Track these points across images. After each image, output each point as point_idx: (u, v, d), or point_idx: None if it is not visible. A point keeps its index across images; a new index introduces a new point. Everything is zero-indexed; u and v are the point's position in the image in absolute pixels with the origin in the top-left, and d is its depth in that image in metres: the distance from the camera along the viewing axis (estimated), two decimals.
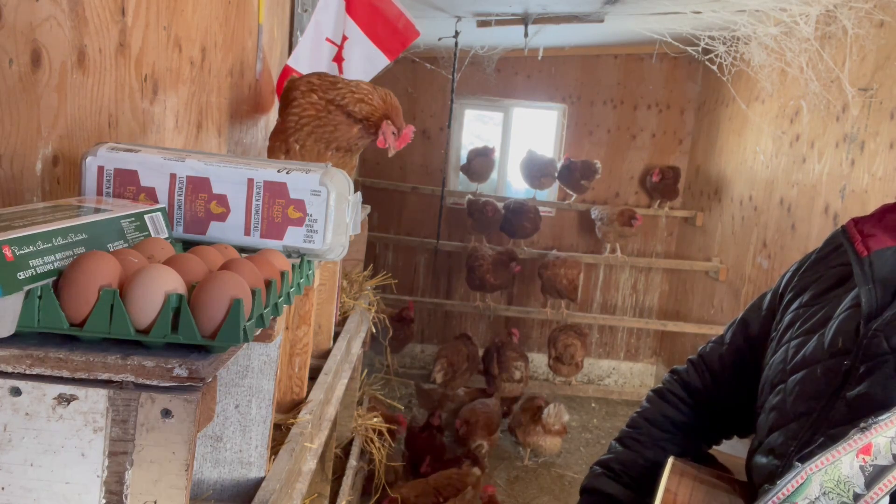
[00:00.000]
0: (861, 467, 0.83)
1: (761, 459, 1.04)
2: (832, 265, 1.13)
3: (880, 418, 0.84)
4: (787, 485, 0.86)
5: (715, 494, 1.05)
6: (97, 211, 0.92)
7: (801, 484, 0.86)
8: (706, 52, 4.36)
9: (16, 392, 0.66)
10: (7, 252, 0.66)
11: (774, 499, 0.87)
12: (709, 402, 1.30)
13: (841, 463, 0.84)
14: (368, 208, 2.96)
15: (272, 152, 1.76)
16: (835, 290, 1.09)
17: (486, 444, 4.15)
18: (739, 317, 1.31)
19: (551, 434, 4.28)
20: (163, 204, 1.10)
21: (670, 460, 1.13)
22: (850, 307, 1.02)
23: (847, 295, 1.05)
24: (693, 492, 1.05)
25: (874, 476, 0.83)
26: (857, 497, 0.83)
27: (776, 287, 1.24)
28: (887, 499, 0.82)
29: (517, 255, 5.02)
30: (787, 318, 1.14)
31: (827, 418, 0.95)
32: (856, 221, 1.08)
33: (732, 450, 1.34)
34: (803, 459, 0.88)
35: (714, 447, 1.34)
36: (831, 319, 1.04)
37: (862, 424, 0.85)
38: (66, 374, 0.66)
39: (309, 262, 1.12)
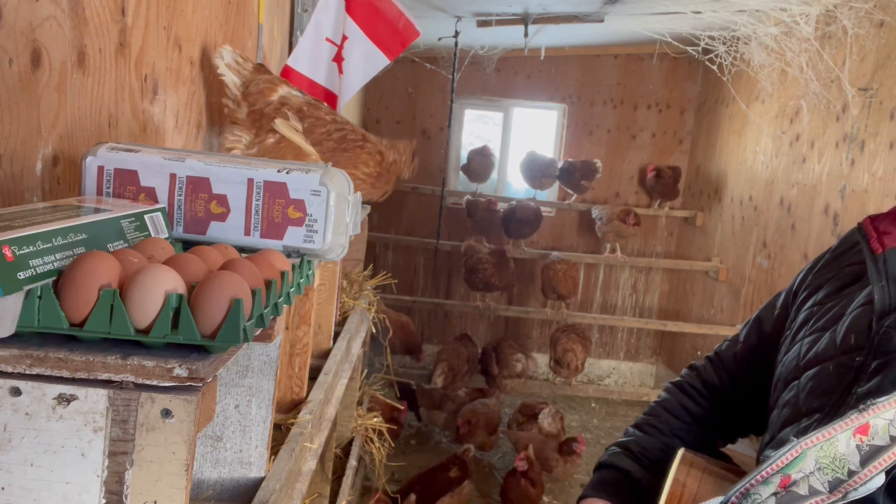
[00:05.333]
0: (857, 446, 0.84)
1: (771, 453, 1.04)
2: (847, 263, 1.13)
3: (879, 400, 0.85)
4: (781, 457, 0.87)
5: (723, 486, 1.05)
6: (97, 211, 0.92)
7: (796, 457, 0.87)
8: (706, 52, 4.36)
9: (16, 392, 0.66)
10: (7, 252, 0.66)
11: (769, 469, 0.88)
12: (725, 399, 1.31)
13: (837, 441, 0.85)
14: (368, 208, 2.96)
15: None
16: (849, 287, 1.09)
17: (472, 448, 4.06)
18: (754, 315, 1.31)
19: (549, 437, 4.28)
20: (163, 204, 1.10)
21: (680, 451, 1.13)
22: (863, 304, 1.02)
23: (861, 292, 1.04)
24: (701, 483, 1.06)
25: (870, 455, 0.84)
26: (851, 473, 0.84)
27: (790, 286, 1.24)
28: (882, 476, 0.83)
29: (509, 252, 5.03)
30: (801, 316, 1.14)
31: (838, 414, 0.95)
32: (872, 218, 1.08)
33: (746, 449, 1.34)
34: (799, 435, 0.89)
35: (729, 446, 1.34)
36: (844, 316, 1.04)
37: (860, 406, 0.86)
38: (66, 374, 0.66)
39: (309, 262, 1.12)
